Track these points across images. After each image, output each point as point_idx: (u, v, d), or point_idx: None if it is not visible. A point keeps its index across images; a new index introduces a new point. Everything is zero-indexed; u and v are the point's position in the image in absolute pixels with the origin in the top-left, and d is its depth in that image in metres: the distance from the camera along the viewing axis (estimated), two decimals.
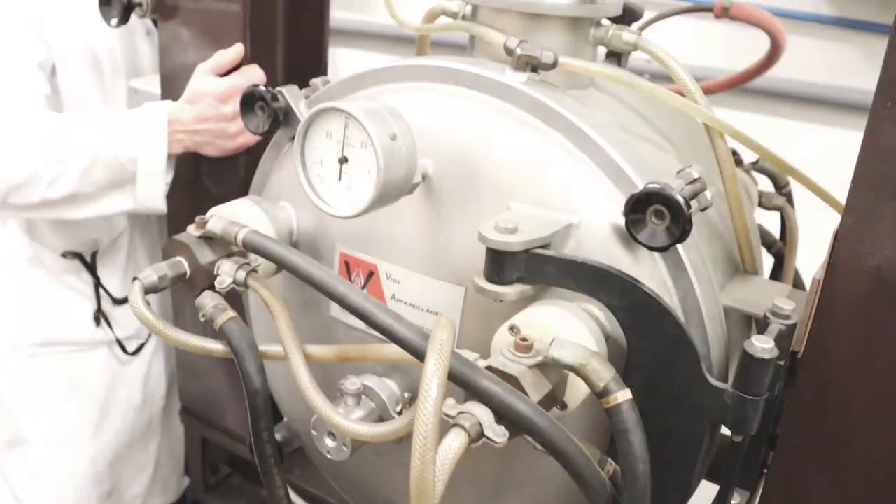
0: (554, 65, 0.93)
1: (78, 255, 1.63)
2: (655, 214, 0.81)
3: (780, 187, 1.39)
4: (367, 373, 1.01)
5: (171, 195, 1.43)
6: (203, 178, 1.42)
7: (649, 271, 0.87)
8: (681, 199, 0.79)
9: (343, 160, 0.83)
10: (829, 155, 1.37)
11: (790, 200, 1.39)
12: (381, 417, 0.98)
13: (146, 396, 1.78)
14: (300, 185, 0.90)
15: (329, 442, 0.96)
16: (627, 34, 1.03)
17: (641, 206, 0.81)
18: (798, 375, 0.84)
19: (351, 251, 1.02)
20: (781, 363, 0.84)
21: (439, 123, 0.94)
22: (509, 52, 0.94)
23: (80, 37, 1.47)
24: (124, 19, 1.38)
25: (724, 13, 1.45)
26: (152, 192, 1.38)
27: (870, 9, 2.10)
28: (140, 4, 1.39)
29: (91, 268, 1.65)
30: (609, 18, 1.08)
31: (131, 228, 1.68)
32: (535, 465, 0.93)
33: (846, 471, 0.83)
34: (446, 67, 0.97)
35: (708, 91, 1.60)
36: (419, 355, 0.72)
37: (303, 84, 1.12)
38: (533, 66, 0.94)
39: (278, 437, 1.17)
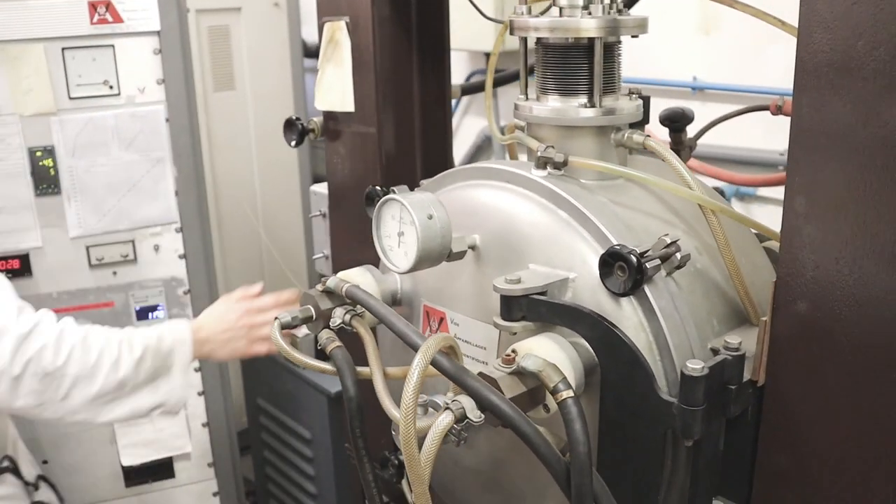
0: (565, 163, 1.25)
1: None
2: (619, 269, 1.10)
3: None
4: (439, 394, 1.34)
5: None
6: None
7: (628, 315, 1.14)
8: (633, 257, 1.07)
9: (401, 233, 1.21)
10: None
11: None
12: None
13: None
14: None
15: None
16: (637, 136, 1.31)
17: (610, 262, 1.10)
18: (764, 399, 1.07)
19: (430, 303, 1.37)
20: (733, 388, 1.07)
21: (484, 209, 1.29)
22: (535, 155, 1.28)
23: None
24: (300, 141, 1.88)
25: (779, 111, 1.68)
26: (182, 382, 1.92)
27: None
28: (312, 130, 1.89)
29: None
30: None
31: None
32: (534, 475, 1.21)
33: (812, 461, 1.05)
34: (491, 168, 1.32)
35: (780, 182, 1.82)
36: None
37: None
38: (554, 164, 1.27)
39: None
